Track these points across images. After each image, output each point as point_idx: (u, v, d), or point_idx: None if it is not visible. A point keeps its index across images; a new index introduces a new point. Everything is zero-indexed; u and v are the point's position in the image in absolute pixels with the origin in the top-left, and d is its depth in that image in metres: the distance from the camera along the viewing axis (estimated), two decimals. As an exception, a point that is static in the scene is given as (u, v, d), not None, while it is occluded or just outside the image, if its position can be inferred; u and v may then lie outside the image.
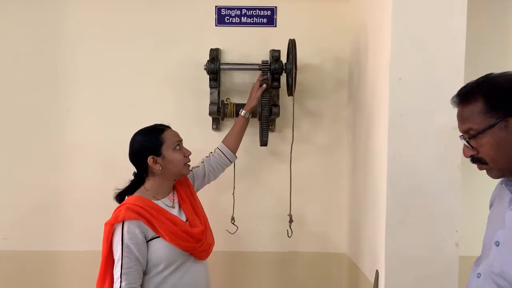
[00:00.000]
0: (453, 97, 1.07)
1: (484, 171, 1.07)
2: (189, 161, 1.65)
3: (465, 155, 1.07)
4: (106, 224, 1.52)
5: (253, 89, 1.95)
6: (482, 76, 1.05)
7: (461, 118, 1.06)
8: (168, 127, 1.65)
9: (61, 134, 2.21)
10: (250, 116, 1.93)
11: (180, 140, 1.64)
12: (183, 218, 1.62)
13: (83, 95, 2.21)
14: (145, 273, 1.53)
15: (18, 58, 2.20)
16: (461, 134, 1.07)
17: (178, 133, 1.67)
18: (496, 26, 2.11)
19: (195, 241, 1.58)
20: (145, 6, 2.19)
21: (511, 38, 2.11)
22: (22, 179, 2.22)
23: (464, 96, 1.05)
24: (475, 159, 1.06)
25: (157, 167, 1.58)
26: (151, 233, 1.52)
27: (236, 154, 1.90)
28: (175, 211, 1.62)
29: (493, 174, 1.06)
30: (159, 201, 1.60)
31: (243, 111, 1.91)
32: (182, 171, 1.64)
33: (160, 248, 1.52)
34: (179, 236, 1.53)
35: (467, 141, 1.05)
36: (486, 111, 1.00)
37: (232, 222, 2.09)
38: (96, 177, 2.19)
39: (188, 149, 1.66)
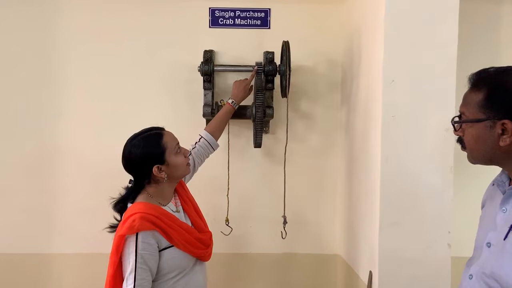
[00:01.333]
0: (470, 75, 1.06)
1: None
2: (189, 160, 1.63)
3: (454, 133, 1.11)
4: (118, 236, 1.42)
5: (239, 82, 1.97)
6: (507, 67, 1.04)
7: (463, 99, 1.08)
8: (163, 129, 1.58)
9: (54, 137, 2.20)
10: (237, 106, 1.94)
11: (178, 142, 1.58)
12: (188, 223, 1.59)
13: (76, 98, 2.20)
14: (155, 280, 1.48)
15: (10, 60, 2.19)
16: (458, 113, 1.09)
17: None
18: (488, 29, 2.14)
19: (205, 247, 1.58)
20: (138, 8, 2.18)
21: (502, 41, 2.14)
22: (14, 182, 2.20)
23: (476, 81, 1.05)
24: (460, 140, 1.10)
25: (162, 175, 1.50)
26: (164, 243, 1.46)
27: (217, 141, 1.89)
28: (180, 216, 1.58)
29: (469, 159, 1.10)
30: (166, 206, 1.54)
31: (232, 100, 1.93)
32: (185, 172, 1.59)
33: (175, 257, 1.48)
34: (192, 244, 1.52)
35: (455, 122, 1.08)
36: (481, 105, 1.01)
37: (227, 223, 2.09)
38: (89, 180, 2.18)
39: (186, 148, 1.62)
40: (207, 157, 1.86)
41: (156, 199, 1.53)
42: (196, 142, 1.83)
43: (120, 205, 1.53)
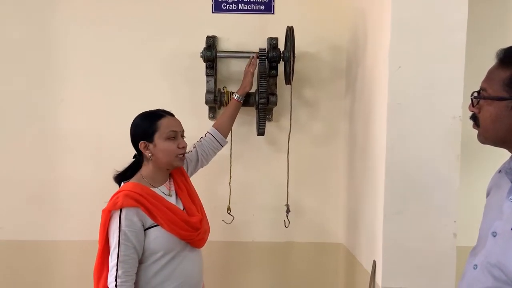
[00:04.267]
0: (499, 50, 1.02)
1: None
2: (183, 152, 1.60)
3: (469, 109, 1.06)
4: (103, 211, 1.50)
5: (246, 73, 1.96)
6: None
7: (487, 74, 1.03)
8: (170, 115, 1.61)
9: (55, 124, 2.18)
10: (242, 100, 1.93)
11: (177, 131, 1.59)
12: (180, 207, 1.61)
13: (76, 84, 2.18)
14: (141, 262, 1.52)
15: (11, 47, 2.16)
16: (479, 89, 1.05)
17: (181, 123, 1.62)
18: (497, 15, 2.09)
19: (193, 230, 1.57)
20: (140, -8, 2.15)
21: (511, 27, 2.09)
22: (15, 169, 2.19)
23: (505, 57, 1.00)
24: (474, 117, 1.06)
25: (147, 153, 1.56)
26: (149, 221, 1.50)
27: (226, 139, 1.90)
28: (172, 200, 1.60)
29: (479, 138, 1.06)
30: (156, 188, 1.58)
31: (236, 94, 1.92)
32: (173, 162, 1.59)
33: (159, 236, 1.51)
34: (178, 225, 1.52)
35: (474, 97, 1.04)
36: (506, 83, 0.97)
37: (228, 212, 2.08)
38: (91, 166, 2.17)
39: (185, 141, 1.62)
40: (214, 152, 1.87)
41: (148, 181, 1.58)
42: (202, 137, 1.85)
43: (119, 179, 1.61)
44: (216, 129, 1.86)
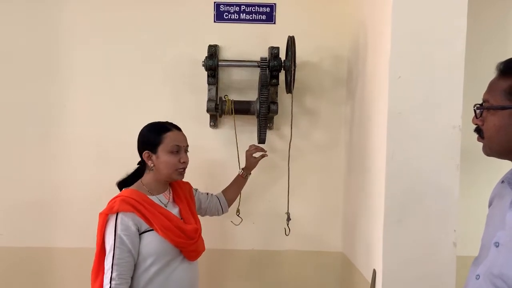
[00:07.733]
0: (499, 63, 1.04)
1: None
2: (183, 167, 1.64)
3: (472, 122, 1.07)
4: (100, 214, 1.54)
5: (249, 153, 1.97)
6: None
7: (489, 86, 1.04)
8: (176, 128, 1.66)
9: (58, 129, 2.19)
10: (248, 177, 1.97)
11: (181, 146, 1.63)
12: (177, 215, 1.63)
13: (80, 90, 2.19)
14: (135, 268, 1.53)
15: (14, 52, 2.18)
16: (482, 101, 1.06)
17: (186, 138, 1.67)
18: (497, 24, 2.11)
19: (187, 238, 1.59)
20: (143, 1, 2.17)
21: (511, 36, 2.11)
22: (17, 174, 2.20)
23: (504, 68, 1.02)
24: (478, 130, 1.06)
25: (149, 163, 1.61)
26: (144, 226, 1.53)
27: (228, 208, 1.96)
28: (169, 208, 1.63)
29: (485, 150, 1.06)
30: (154, 196, 1.62)
31: (244, 172, 1.96)
32: (173, 175, 1.63)
33: (153, 241, 1.53)
34: (171, 231, 1.54)
35: (476, 109, 1.04)
36: (508, 92, 0.98)
37: (237, 214, 2.06)
38: (92, 173, 2.17)
39: (187, 157, 1.66)
40: (215, 212, 1.91)
41: (147, 188, 1.62)
42: (212, 194, 1.91)
43: (122, 185, 1.66)
44: (224, 196, 1.92)
